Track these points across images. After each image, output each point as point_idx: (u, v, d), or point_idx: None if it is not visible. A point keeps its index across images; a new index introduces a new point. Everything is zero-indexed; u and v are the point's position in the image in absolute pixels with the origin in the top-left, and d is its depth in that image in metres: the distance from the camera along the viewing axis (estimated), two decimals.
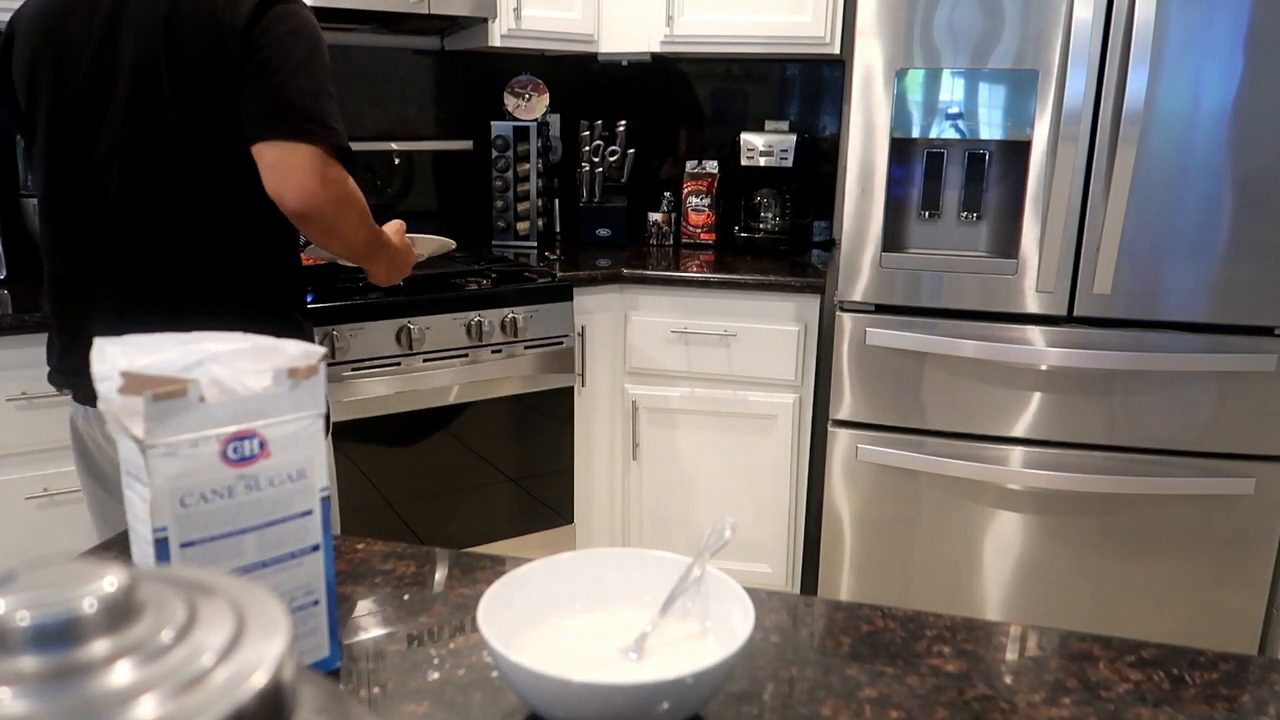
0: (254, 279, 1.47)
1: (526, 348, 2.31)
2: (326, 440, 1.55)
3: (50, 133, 1.42)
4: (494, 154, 2.77)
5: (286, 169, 1.36)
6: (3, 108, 1.51)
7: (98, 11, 1.37)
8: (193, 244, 1.42)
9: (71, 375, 1.46)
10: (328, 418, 1.55)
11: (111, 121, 1.38)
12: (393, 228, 1.64)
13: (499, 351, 2.27)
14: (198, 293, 1.43)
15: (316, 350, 0.66)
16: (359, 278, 2.15)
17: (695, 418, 2.51)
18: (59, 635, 0.28)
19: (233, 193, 1.41)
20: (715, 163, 2.91)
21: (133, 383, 0.59)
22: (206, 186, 1.41)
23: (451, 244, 2.00)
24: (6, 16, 1.95)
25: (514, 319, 2.26)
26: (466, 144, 2.84)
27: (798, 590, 2.58)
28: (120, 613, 0.29)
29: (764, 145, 2.72)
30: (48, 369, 1.52)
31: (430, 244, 1.94)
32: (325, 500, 0.68)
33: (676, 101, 3.04)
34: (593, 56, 2.76)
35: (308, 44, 1.38)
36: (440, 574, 0.88)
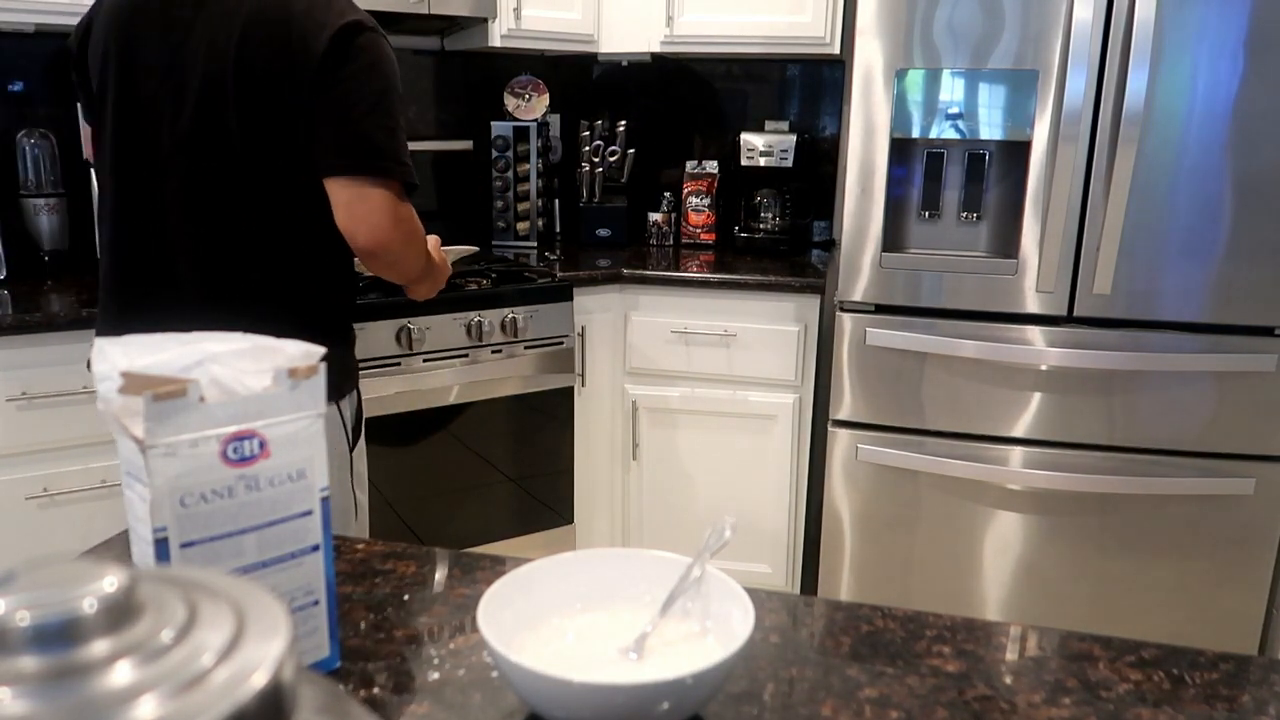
0: (306, 291, 1.46)
1: (527, 348, 2.31)
2: (359, 445, 1.55)
3: (116, 131, 1.42)
4: (494, 154, 2.77)
5: (361, 210, 1.37)
6: (79, 90, 1.52)
7: (173, 15, 1.37)
8: (247, 253, 1.42)
9: None
10: (359, 422, 1.56)
11: (177, 127, 1.38)
12: (430, 244, 1.63)
13: (499, 352, 2.27)
14: (249, 301, 1.42)
15: (316, 350, 0.66)
16: (359, 278, 2.16)
17: (695, 418, 2.51)
18: (59, 635, 0.28)
19: (290, 208, 1.41)
20: (715, 163, 2.91)
21: (133, 383, 0.59)
22: (264, 200, 1.40)
23: (475, 249, 2.01)
24: (11, 16, 1.97)
25: (514, 319, 2.26)
26: (466, 144, 2.84)
27: (798, 590, 2.58)
28: (120, 613, 0.29)
29: (764, 145, 2.72)
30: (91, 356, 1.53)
31: (456, 253, 1.94)
32: (325, 501, 0.68)
33: (676, 101, 3.04)
34: (593, 57, 2.76)
35: (384, 77, 1.38)
36: (440, 574, 0.88)
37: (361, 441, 1.58)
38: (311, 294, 1.46)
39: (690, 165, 2.91)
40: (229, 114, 1.35)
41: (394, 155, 1.38)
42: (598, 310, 2.45)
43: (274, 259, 1.42)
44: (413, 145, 2.70)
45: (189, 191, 1.39)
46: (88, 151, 1.61)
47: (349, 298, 1.55)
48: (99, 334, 1.51)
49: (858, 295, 2.15)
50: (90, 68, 1.45)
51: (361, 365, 2.06)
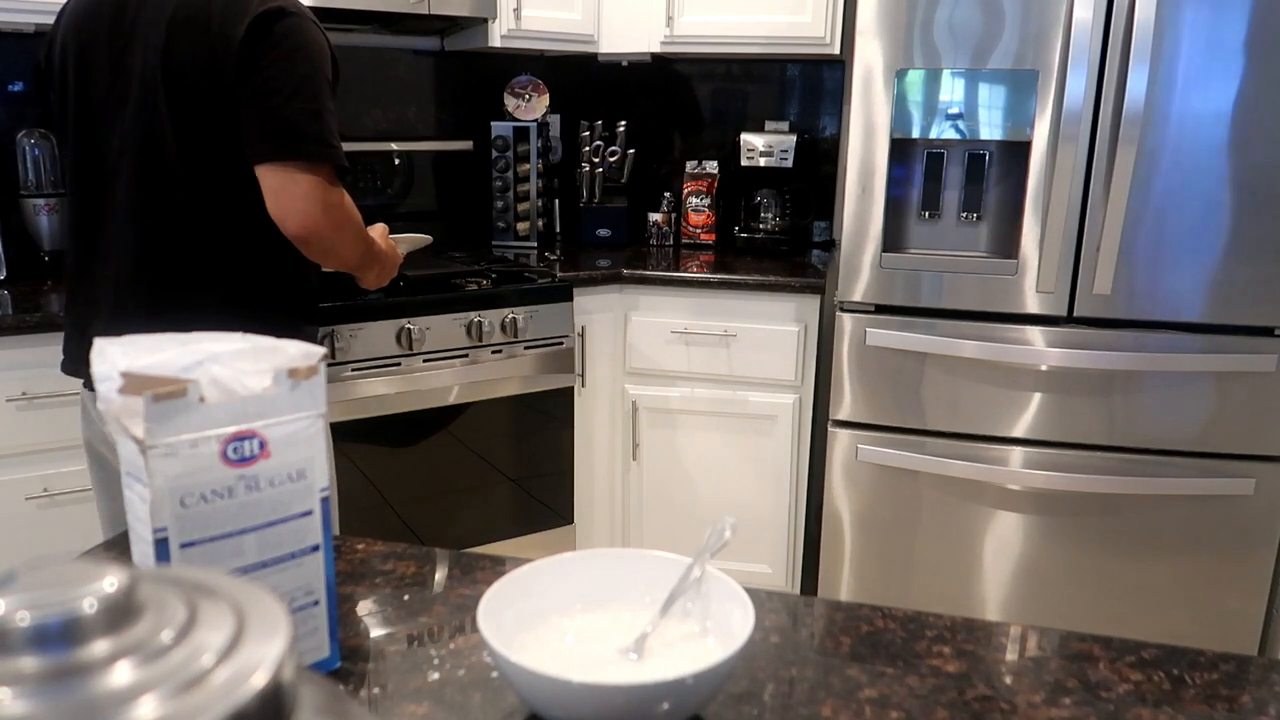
0: (252, 283, 1.48)
1: (526, 348, 2.30)
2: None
3: (76, 134, 1.45)
4: (494, 154, 2.77)
5: (289, 196, 1.37)
6: (55, 107, 1.54)
7: (119, 18, 1.39)
8: (192, 247, 1.44)
9: (80, 364, 1.49)
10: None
11: (122, 127, 1.41)
12: (377, 232, 1.65)
13: (499, 352, 2.27)
14: (195, 294, 1.44)
15: (316, 350, 0.66)
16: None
17: (695, 418, 2.51)
18: (59, 635, 0.28)
19: (231, 200, 1.43)
20: (715, 163, 2.91)
21: (133, 383, 0.59)
22: (205, 194, 1.42)
23: (427, 239, 2.01)
24: (11, 17, 1.97)
25: (514, 319, 2.26)
26: (467, 144, 2.84)
27: (798, 590, 2.58)
28: (120, 613, 0.29)
29: (764, 145, 2.72)
30: (61, 357, 1.54)
31: (407, 242, 1.95)
32: (325, 501, 0.68)
33: (676, 102, 3.04)
34: (593, 57, 2.76)
35: (309, 61, 1.38)
36: (440, 574, 0.88)
37: (329, 437, 1.59)
38: (258, 285, 1.48)
39: (690, 165, 2.91)
40: (162, 113, 1.38)
41: (320, 139, 1.38)
42: (598, 310, 2.45)
43: (218, 253, 1.44)
44: (413, 145, 2.74)
45: (134, 193, 1.42)
46: None
47: (301, 287, 1.56)
48: (66, 335, 1.54)
49: (858, 295, 2.15)
50: (54, 80, 1.48)
51: (361, 365, 2.08)
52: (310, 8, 1.43)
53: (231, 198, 1.42)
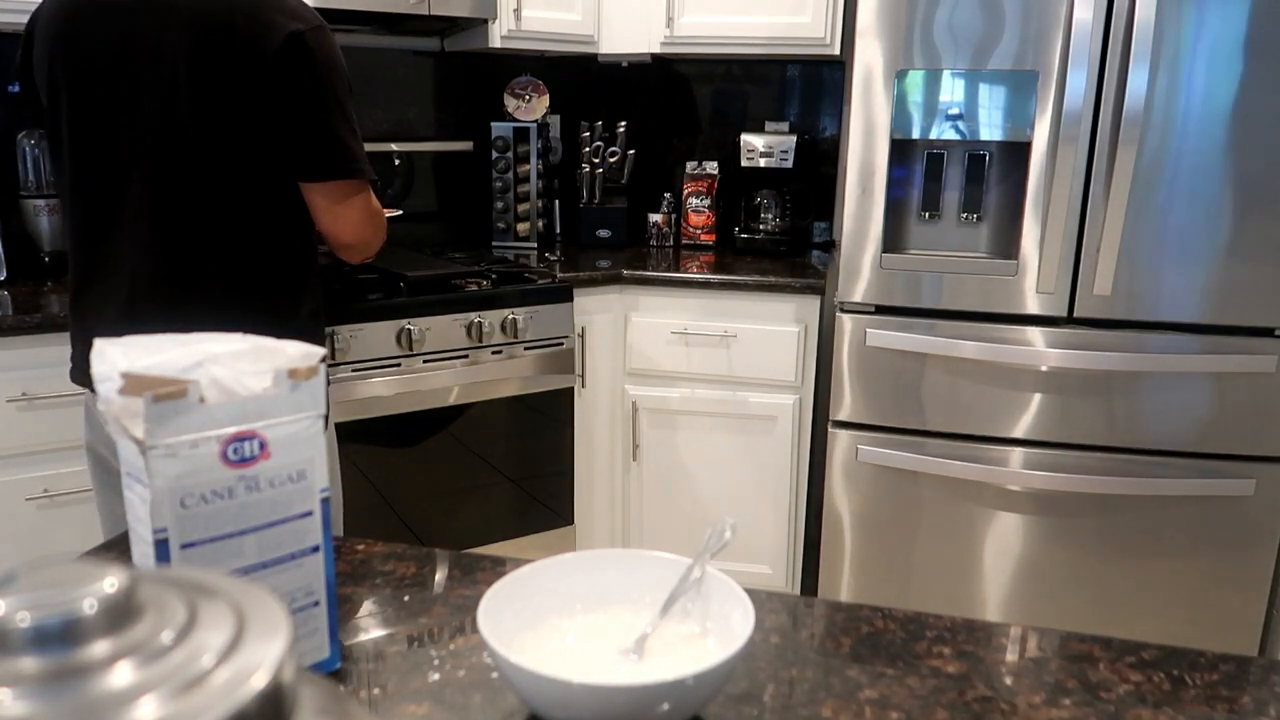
0: (268, 286, 1.48)
1: (526, 349, 2.30)
2: (329, 435, 1.59)
3: (75, 139, 1.43)
4: (494, 155, 2.77)
5: (346, 214, 1.49)
6: (32, 104, 1.53)
7: (111, 18, 1.38)
8: (210, 247, 1.44)
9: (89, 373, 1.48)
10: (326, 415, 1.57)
11: (132, 131, 1.39)
12: None
13: (499, 353, 2.27)
14: (212, 294, 1.45)
15: (316, 351, 0.66)
16: (359, 277, 2.16)
17: (695, 419, 2.51)
18: (59, 636, 0.28)
19: (249, 202, 1.43)
20: (715, 164, 2.91)
21: (133, 384, 0.59)
22: (225, 195, 1.42)
23: (399, 211, 2.14)
24: (8, 17, 1.97)
25: (514, 320, 2.26)
26: (467, 145, 2.84)
27: (798, 591, 2.58)
28: (120, 614, 0.29)
29: (764, 146, 2.72)
30: (70, 366, 1.54)
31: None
32: (325, 501, 0.68)
33: (676, 102, 3.04)
34: (593, 57, 2.76)
35: (342, 77, 1.44)
36: (440, 575, 0.88)
37: (333, 438, 1.60)
38: (272, 284, 1.49)
39: (690, 166, 2.91)
40: (184, 118, 1.38)
41: (362, 156, 1.47)
42: (598, 311, 2.45)
43: (235, 254, 1.45)
44: (413, 146, 2.74)
45: (152, 196, 1.41)
46: None
47: (311, 282, 1.57)
48: (74, 343, 1.53)
49: (858, 296, 2.15)
50: (37, 82, 1.46)
51: (361, 366, 2.07)
52: (313, 9, 1.43)
53: (250, 199, 1.43)
